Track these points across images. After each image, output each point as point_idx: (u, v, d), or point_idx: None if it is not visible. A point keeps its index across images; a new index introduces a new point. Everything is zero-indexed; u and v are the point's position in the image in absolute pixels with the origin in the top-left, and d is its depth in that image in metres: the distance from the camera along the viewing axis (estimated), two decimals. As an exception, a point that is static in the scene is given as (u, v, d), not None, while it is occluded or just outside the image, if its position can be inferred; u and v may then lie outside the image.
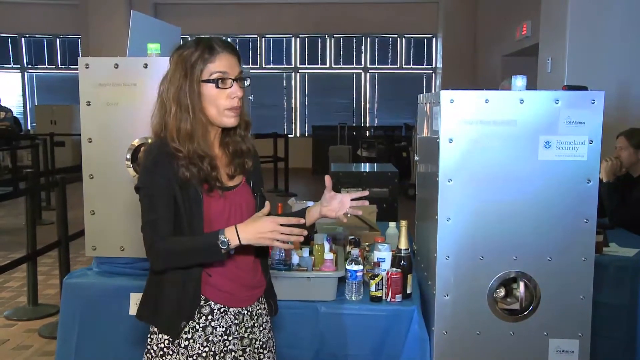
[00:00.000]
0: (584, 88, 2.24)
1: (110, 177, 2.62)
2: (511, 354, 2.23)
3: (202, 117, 1.71)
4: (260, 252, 1.88)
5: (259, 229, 1.65)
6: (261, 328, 1.88)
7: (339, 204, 1.89)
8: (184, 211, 1.68)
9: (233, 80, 1.71)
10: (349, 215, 1.92)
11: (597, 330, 2.30)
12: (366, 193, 1.93)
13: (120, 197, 2.60)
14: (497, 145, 2.16)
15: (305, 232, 1.71)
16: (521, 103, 2.14)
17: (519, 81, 2.19)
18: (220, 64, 1.70)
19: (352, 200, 1.89)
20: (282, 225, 1.65)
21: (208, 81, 1.69)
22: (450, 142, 2.17)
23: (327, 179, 1.93)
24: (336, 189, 2.01)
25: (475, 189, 2.18)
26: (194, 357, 1.72)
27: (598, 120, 2.12)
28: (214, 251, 1.64)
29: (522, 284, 2.19)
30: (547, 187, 2.17)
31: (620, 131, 3.86)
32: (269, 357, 1.90)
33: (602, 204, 3.53)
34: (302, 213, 1.93)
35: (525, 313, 2.20)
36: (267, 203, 1.76)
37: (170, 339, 1.72)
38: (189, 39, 1.80)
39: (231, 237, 1.63)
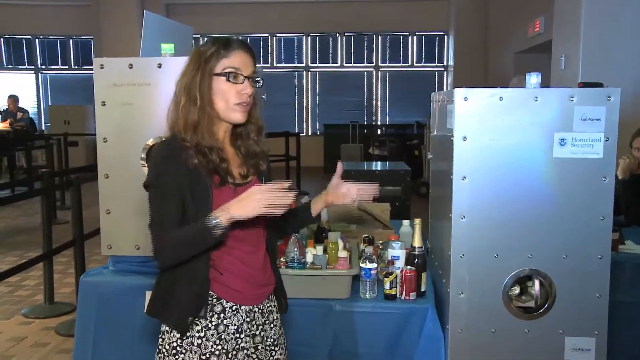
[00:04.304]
0: (600, 85, 2.23)
1: (126, 177, 2.64)
2: (526, 352, 2.22)
3: (210, 109, 1.71)
4: (270, 250, 1.90)
5: (244, 199, 1.61)
6: (272, 325, 1.89)
7: (345, 191, 1.93)
8: (194, 207, 1.67)
9: (245, 77, 1.73)
10: (356, 203, 1.95)
11: (614, 328, 2.29)
12: (376, 187, 1.96)
13: (135, 196, 2.61)
14: (512, 143, 2.15)
15: (292, 194, 1.63)
16: (536, 100, 2.13)
17: (534, 78, 2.18)
18: (234, 60, 1.72)
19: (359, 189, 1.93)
20: (265, 191, 1.60)
21: (220, 75, 1.71)
22: (464, 140, 2.16)
23: (339, 166, 1.96)
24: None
25: (489, 186, 2.17)
26: (207, 356, 1.72)
27: (614, 117, 2.11)
28: (207, 234, 1.60)
29: (537, 282, 2.18)
30: (562, 185, 2.16)
31: (635, 131, 3.83)
32: (281, 354, 1.91)
33: (618, 201, 3.51)
34: (307, 205, 1.98)
35: (541, 311, 2.20)
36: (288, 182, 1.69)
37: (183, 338, 1.72)
38: (200, 38, 1.82)
39: (222, 214, 1.60)
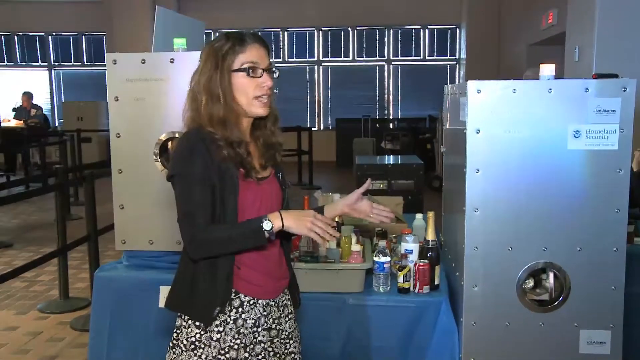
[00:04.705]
0: (615, 76, 2.20)
1: (139, 172, 2.65)
2: (541, 346, 2.22)
3: (234, 105, 1.73)
4: (284, 245, 1.91)
5: (300, 215, 1.69)
6: (287, 319, 1.90)
7: (362, 206, 1.96)
8: (219, 198, 1.69)
9: (263, 70, 1.74)
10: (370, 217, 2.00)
11: (630, 321, 2.27)
12: (391, 212, 2.02)
13: (148, 191, 2.63)
14: (526, 135, 2.14)
15: (338, 235, 1.74)
16: (550, 92, 2.11)
17: (548, 70, 2.16)
18: (251, 54, 1.73)
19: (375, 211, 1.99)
20: (319, 220, 1.68)
21: (239, 70, 1.72)
22: (477, 133, 2.15)
23: (367, 183, 2.01)
24: (362, 181, 2.05)
25: (503, 179, 2.16)
26: (226, 350, 1.73)
27: (630, 109, 2.09)
28: (257, 236, 1.65)
29: (551, 275, 2.17)
30: (576, 177, 2.14)
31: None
32: (295, 347, 1.92)
33: (634, 194, 3.47)
34: (320, 210, 1.97)
35: (555, 304, 2.19)
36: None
37: (202, 332, 1.73)
38: (212, 33, 1.82)
39: (275, 220, 1.65)
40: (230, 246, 1.70)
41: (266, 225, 1.64)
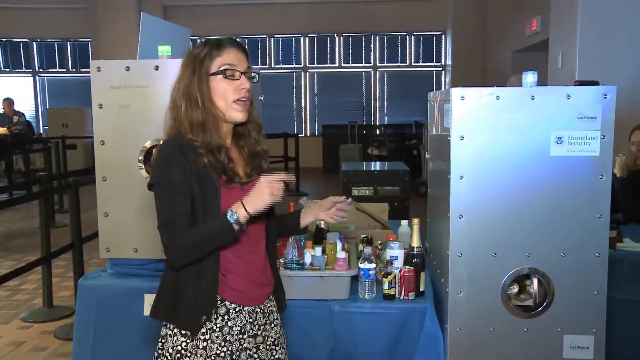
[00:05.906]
0: (596, 83, 2.23)
1: (123, 179, 2.64)
2: (525, 351, 2.23)
3: (212, 109, 1.73)
4: (269, 251, 1.91)
5: (256, 191, 1.67)
6: (272, 325, 1.90)
7: (335, 210, 2.04)
8: (202, 205, 1.69)
9: (241, 73, 1.75)
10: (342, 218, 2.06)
11: (612, 326, 2.29)
12: (349, 201, 2.05)
13: (133, 198, 2.62)
14: (509, 142, 2.15)
15: (291, 177, 1.74)
16: (532, 99, 2.13)
17: (530, 77, 2.18)
18: (228, 57, 1.74)
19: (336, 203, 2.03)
20: (271, 180, 1.67)
21: (216, 73, 1.72)
22: (461, 140, 2.16)
23: (350, 200, 2.05)
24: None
25: (487, 185, 2.18)
26: (212, 358, 1.73)
27: (610, 115, 2.11)
28: (227, 229, 1.65)
29: (535, 280, 2.18)
30: (559, 183, 2.16)
31: (634, 126, 3.84)
32: (281, 353, 1.92)
33: (616, 199, 3.51)
34: (297, 214, 2.04)
35: (539, 309, 2.20)
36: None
37: (188, 341, 1.72)
38: (198, 40, 1.83)
39: (238, 210, 1.65)
40: (207, 247, 1.69)
41: (230, 217, 1.64)
